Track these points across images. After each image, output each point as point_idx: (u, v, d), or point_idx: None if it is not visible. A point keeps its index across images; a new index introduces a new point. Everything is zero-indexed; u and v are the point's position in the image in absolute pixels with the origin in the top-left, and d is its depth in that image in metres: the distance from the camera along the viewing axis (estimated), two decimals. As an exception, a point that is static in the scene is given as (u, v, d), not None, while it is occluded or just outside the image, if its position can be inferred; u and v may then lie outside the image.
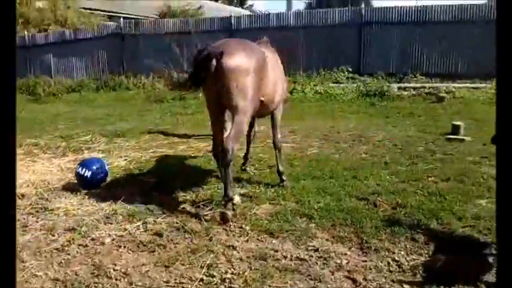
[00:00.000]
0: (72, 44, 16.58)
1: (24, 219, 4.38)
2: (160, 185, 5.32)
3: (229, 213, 4.26)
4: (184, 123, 9.80)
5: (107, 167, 5.33)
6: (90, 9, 28.60)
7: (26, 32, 18.23)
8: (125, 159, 6.59)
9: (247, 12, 30.94)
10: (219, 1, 67.15)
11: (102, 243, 3.84)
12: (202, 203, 4.70)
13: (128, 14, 30.65)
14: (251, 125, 5.85)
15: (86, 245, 3.81)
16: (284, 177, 5.33)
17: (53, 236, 4.01)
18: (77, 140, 8.04)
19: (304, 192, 4.93)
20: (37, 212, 4.57)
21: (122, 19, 17.19)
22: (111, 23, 17.74)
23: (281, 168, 5.33)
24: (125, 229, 4.10)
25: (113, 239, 3.92)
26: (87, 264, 3.50)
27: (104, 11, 30.90)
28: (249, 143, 6.04)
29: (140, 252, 3.69)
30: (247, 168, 5.96)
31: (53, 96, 14.51)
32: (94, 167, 5.12)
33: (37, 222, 4.30)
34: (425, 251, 3.58)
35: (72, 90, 15.53)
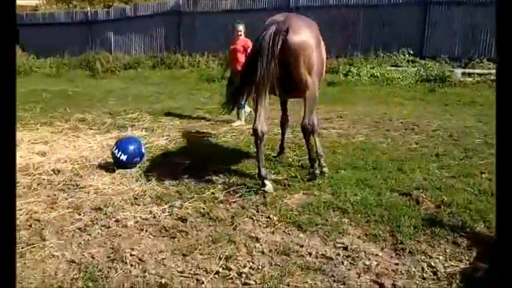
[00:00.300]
0: (131, 21, 16.81)
1: (54, 195, 4.40)
2: (194, 167, 5.19)
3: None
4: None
5: (143, 149, 5.24)
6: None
7: (88, 8, 18.72)
8: (166, 139, 6.54)
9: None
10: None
11: (125, 226, 3.76)
12: (233, 188, 4.53)
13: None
14: (284, 110, 5.61)
15: (109, 226, 3.75)
16: (324, 164, 5.04)
17: (79, 214, 3.98)
18: (123, 117, 8.10)
19: (341, 183, 4.62)
20: (68, 188, 4.58)
21: (178, -3, 17.17)
22: (171, 1, 17.76)
23: (320, 152, 5.05)
24: (150, 212, 4.01)
25: (136, 222, 3.83)
26: (105, 247, 3.43)
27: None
28: (284, 131, 5.74)
29: (161, 238, 3.57)
30: (287, 155, 5.70)
31: (110, 73, 14.82)
32: (130, 150, 5.02)
33: (66, 199, 4.30)
34: (467, 258, 3.20)
35: (129, 67, 15.81)
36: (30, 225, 3.78)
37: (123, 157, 4.94)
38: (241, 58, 7.25)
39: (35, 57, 17.92)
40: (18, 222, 3.81)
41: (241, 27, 7.44)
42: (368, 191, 4.42)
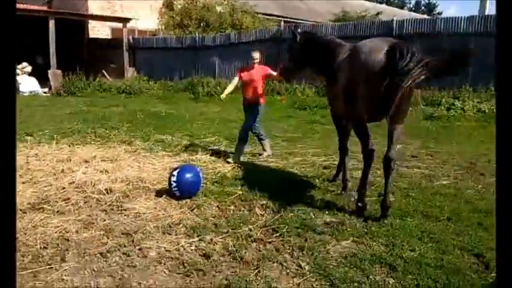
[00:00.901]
0: (235, 46, 17.20)
1: (96, 215, 4.35)
2: (244, 198, 4.87)
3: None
4: (314, 133, 9.19)
5: (201, 181, 4.97)
6: (266, 14, 29.79)
7: (197, 34, 19.60)
8: (232, 166, 6.30)
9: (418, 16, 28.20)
10: (405, 8, 64.63)
11: (145, 256, 3.54)
12: (275, 225, 4.11)
13: (303, 20, 31.12)
14: (346, 135, 5.33)
15: (129, 255, 3.55)
16: (388, 212, 4.39)
17: (107, 238, 3.86)
18: (201, 140, 8.09)
19: (401, 233, 3.97)
20: (112, 209, 4.52)
21: (282, 22, 17.23)
22: (273, 26, 17.90)
23: (388, 200, 4.39)
24: (178, 243, 3.75)
25: (158, 253, 3.59)
26: (115, 277, 3.22)
27: (279, 16, 31.92)
28: (343, 155, 5.45)
29: (175, 274, 3.28)
30: (352, 193, 5.13)
31: (210, 96, 15.18)
32: (186, 186, 4.79)
33: (104, 220, 4.23)
34: None
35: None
36: (58, 244, 3.72)
37: (177, 193, 4.76)
38: (260, 89, 6.78)
39: (148, 79, 19.12)
40: (49, 239, 3.79)
41: (257, 55, 6.70)
42: (430, 246, 3.72)
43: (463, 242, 3.83)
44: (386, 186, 4.38)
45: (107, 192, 4.94)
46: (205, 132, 8.78)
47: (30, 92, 17.04)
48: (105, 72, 20.38)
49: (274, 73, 6.74)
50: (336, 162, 6.70)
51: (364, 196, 4.54)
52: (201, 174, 4.88)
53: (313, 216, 4.38)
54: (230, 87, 6.90)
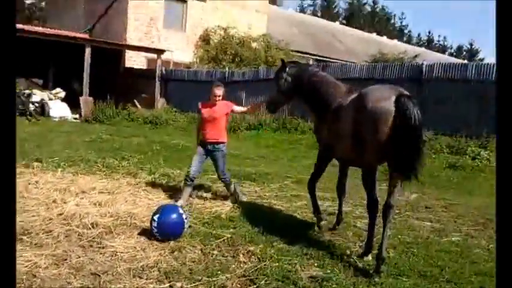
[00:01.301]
0: (263, 82, 17.18)
1: (72, 251, 4.19)
2: (232, 243, 4.61)
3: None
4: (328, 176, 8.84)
5: (185, 222, 4.72)
6: (301, 51, 30.00)
7: (227, 68, 19.78)
8: (229, 207, 6.08)
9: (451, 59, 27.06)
10: (446, 53, 63.93)
11: (104, 302, 3.33)
12: (255, 276, 3.84)
13: (338, 59, 31.12)
14: (344, 175, 5.29)
15: (88, 299, 3.36)
16: (382, 267, 4.06)
17: (74, 277, 3.68)
18: (208, 177, 7.91)
19: (391, 296, 3.61)
20: (90, 246, 4.36)
21: (310, 60, 17.17)
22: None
23: (384, 252, 4.10)
24: (145, 290, 3.53)
25: (121, 299, 3.38)
26: (65, 323, 3.02)
27: (314, 54, 32.10)
28: (341, 198, 5.39)
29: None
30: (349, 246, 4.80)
31: (233, 132, 15.06)
32: (167, 229, 4.55)
33: (78, 257, 4.06)
34: None
35: (252, 128, 15.98)
36: (22, 280, 3.57)
37: (157, 236, 4.56)
38: (223, 127, 6.32)
39: (176, 111, 19.32)
40: (17, 274, 3.65)
41: (221, 91, 6.05)
42: (419, 314, 3.35)
43: (457, 311, 3.45)
44: (384, 237, 4.09)
45: (92, 227, 4.79)
46: (213, 169, 8.58)
47: (60, 117, 17.47)
48: (136, 102, 20.74)
49: (241, 108, 6.59)
50: (344, 209, 6.43)
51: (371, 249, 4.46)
52: (184, 216, 4.66)
53: (299, 268, 4.08)
54: (196, 131, 6.39)
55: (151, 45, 22.85)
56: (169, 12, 24.40)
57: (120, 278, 3.71)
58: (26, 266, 3.81)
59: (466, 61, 50.48)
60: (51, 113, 17.39)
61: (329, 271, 4.07)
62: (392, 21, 69.02)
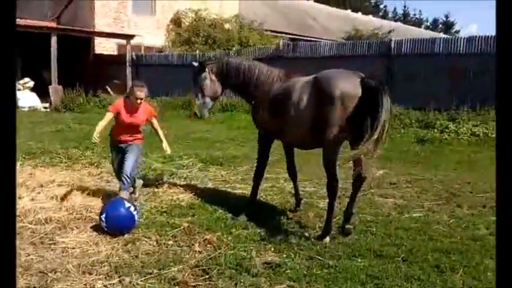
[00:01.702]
0: (234, 65, 17.02)
1: (22, 249, 4.07)
2: (189, 232, 4.53)
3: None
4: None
5: (134, 215, 4.54)
6: (276, 31, 29.66)
7: (197, 51, 19.52)
8: (193, 194, 5.97)
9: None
10: (422, 26, 64.05)
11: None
12: (204, 267, 3.78)
13: (314, 38, 30.93)
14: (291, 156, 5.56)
15: (32, 299, 3.26)
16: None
17: (21, 276, 3.55)
18: (175, 163, 7.80)
19: (344, 277, 3.59)
20: (41, 243, 4.24)
21: (281, 41, 17.01)
22: (273, 45, 17.71)
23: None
24: (93, 286, 3.44)
25: (65, 298, 3.29)
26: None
27: (288, 33, 31.80)
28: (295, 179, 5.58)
29: (73, 324, 2.97)
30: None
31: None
32: (118, 226, 4.43)
33: (28, 255, 3.95)
34: None
35: (227, 110, 15.80)
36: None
37: (105, 226, 4.44)
38: (140, 130, 5.61)
39: (149, 96, 19.02)
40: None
41: (144, 93, 5.31)
42: (369, 295, 3.34)
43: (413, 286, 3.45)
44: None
45: (46, 222, 4.66)
46: (183, 154, 8.48)
47: (30, 107, 17.09)
48: (108, 88, 20.35)
49: (159, 129, 5.77)
50: (307, 189, 6.41)
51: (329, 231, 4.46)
52: (131, 209, 4.53)
53: (254, 255, 4.03)
54: (102, 124, 5.28)
55: (121, 31, 22.35)
56: (137, -3, 23.85)
57: (69, 275, 3.61)
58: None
59: (442, 34, 50.73)
60: (20, 103, 16.95)
61: (285, 256, 4.03)
62: (367, -4, 68.72)
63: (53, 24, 22.00)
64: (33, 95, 17.95)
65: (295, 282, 3.56)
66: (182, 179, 6.77)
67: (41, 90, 18.31)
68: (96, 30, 21.78)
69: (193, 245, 4.24)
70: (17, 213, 4.86)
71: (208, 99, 5.34)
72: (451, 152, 9.14)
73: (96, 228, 4.58)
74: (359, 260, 3.96)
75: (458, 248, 4.25)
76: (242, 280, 3.57)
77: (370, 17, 46.85)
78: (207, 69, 5.23)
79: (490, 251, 4.10)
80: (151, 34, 23.75)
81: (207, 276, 3.63)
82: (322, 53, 15.00)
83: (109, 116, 5.32)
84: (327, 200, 4.54)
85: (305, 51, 15.53)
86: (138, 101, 5.27)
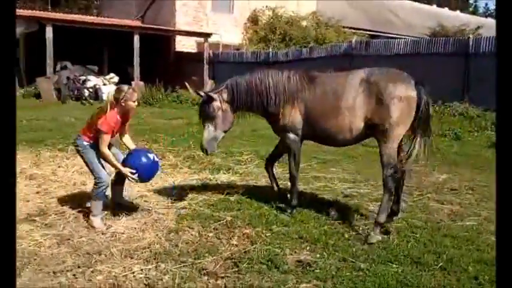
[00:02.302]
0: (306, 62, 16.97)
1: (76, 232, 4.47)
2: (230, 225, 4.70)
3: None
4: (356, 156, 8.68)
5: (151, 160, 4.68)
6: (355, 28, 29.11)
7: (270, 49, 19.72)
8: (244, 189, 6.14)
9: None
10: None
11: (90, 280, 3.55)
12: (236, 260, 3.92)
13: (391, 33, 29.98)
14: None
15: (77, 277, 3.59)
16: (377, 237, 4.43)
17: (70, 256, 3.93)
18: (234, 159, 8.03)
19: (373, 282, 3.56)
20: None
21: (354, 40, 16.69)
22: (344, 43, 17.44)
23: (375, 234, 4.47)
24: (130, 269, 3.72)
25: (105, 278, 3.58)
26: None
27: (368, 30, 31.05)
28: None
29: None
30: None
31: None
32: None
33: (80, 238, 4.33)
34: None
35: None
36: (23, 258, 3.87)
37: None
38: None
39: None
40: (24, 252, 3.96)
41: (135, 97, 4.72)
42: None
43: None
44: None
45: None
46: (243, 150, 8.70)
47: (112, 101, 18.25)
48: (187, 84, 21.23)
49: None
50: (361, 191, 6.33)
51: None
52: (150, 155, 4.73)
53: (287, 252, 4.11)
54: (112, 160, 4.62)
55: (200, 29, 23.20)
56: (216, -4, 24.61)
57: (112, 258, 3.92)
58: (31, 245, 4.11)
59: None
60: (104, 97, 18.17)
61: (318, 255, 4.06)
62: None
63: (137, 23, 23.34)
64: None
65: (322, 281, 3.59)
66: (237, 175, 6.95)
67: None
68: (176, 28, 22.75)
69: (231, 238, 4.39)
70: (78, 198, 5.33)
71: (220, 132, 5.00)
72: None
73: (145, 216, 4.90)
74: (393, 266, 3.89)
75: (491, 258, 4.03)
76: (270, 275, 3.66)
77: (458, 12, 44.40)
78: (217, 98, 4.89)
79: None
80: (229, 32, 24.38)
81: (236, 269, 3.76)
82: (397, 50, 14.55)
83: (107, 139, 4.53)
84: (379, 202, 4.59)
85: (379, 48, 15.14)
86: (135, 104, 4.74)
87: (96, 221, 4.60)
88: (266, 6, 25.46)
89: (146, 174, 4.70)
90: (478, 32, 26.09)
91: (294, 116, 4.89)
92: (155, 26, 21.27)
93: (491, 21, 44.18)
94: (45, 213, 4.91)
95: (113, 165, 4.64)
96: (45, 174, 6.31)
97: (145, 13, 25.15)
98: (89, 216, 4.68)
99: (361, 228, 4.83)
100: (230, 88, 4.95)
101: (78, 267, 3.73)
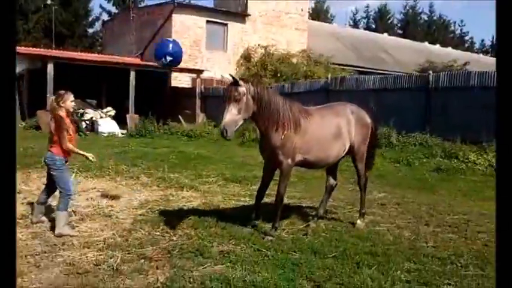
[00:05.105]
0: (288, 97, 18.16)
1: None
2: (173, 227, 5.74)
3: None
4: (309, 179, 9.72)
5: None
6: (343, 64, 30.52)
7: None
8: (203, 202, 7.20)
9: None
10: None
11: (52, 261, 4.60)
12: (170, 249, 4.94)
13: (381, 70, 31.32)
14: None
15: (42, 258, 4.64)
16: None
17: (40, 245, 4.98)
18: (201, 181, 9.09)
19: (267, 264, 4.58)
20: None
21: (329, 75, 17.99)
22: (322, 79, 18.73)
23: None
24: (85, 255, 4.76)
25: (64, 261, 4.63)
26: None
27: (357, 66, 32.48)
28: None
29: (63, 274, 4.28)
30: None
31: (255, 142, 16.11)
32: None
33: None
34: None
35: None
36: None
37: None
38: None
39: (214, 124, 20.82)
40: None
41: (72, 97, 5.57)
42: (282, 275, 4.29)
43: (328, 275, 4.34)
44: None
45: (74, 215, 6.12)
46: (212, 174, 9.77)
47: (109, 132, 19.51)
48: (180, 117, 22.53)
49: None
50: (304, 204, 7.34)
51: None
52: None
53: (215, 245, 5.12)
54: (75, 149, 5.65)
55: (195, 66, 24.69)
56: (211, 35, 26.22)
57: (73, 247, 4.98)
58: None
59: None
60: (100, 129, 19.47)
61: (239, 248, 5.08)
62: (451, 28, 67.28)
63: (134, 60, 24.91)
64: (113, 122, 20.47)
65: (233, 264, 4.60)
66: (199, 192, 8.01)
67: (123, 119, 20.90)
68: (172, 65, 24.24)
69: (173, 236, 5.43)
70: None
71: (240, 118, 5.08)
72: (460, 180, 9.55)
73: (107, 220, 5.97)
74: (295, 254, 4.90)
75: (394, 255, 4.98)
76: (193, 260, 4.68)
77: (449, 48, 46.06)
78: (244, 86, 5.04)
79: (400, 256, 4.93)
80: (223, 69, 25.84)
81: (169, 256, 4.79)
82: (367, 86, 15.76)
83: (66, 135, 5.41)
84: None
85: (352, 84, 16.39)
86: (73, 104, 5.58)
87: (65, 229, 5.40)
88: (258, 45, 27.03)
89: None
90: (466, 67, 27.57)
91: (296, 142, 5.40)
92: (150, 63, 22.73)
93: (482, 57, 45.84)
94: (26, 217, 5.99)
95: (79, 154, 5.65)
96: (31, 190, 7.40)
97: (144, 51, 26.76)
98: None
99: (286, 230, 5.85)
100: (257, 89, 5.15)
101: (45, 252, 4.79)
